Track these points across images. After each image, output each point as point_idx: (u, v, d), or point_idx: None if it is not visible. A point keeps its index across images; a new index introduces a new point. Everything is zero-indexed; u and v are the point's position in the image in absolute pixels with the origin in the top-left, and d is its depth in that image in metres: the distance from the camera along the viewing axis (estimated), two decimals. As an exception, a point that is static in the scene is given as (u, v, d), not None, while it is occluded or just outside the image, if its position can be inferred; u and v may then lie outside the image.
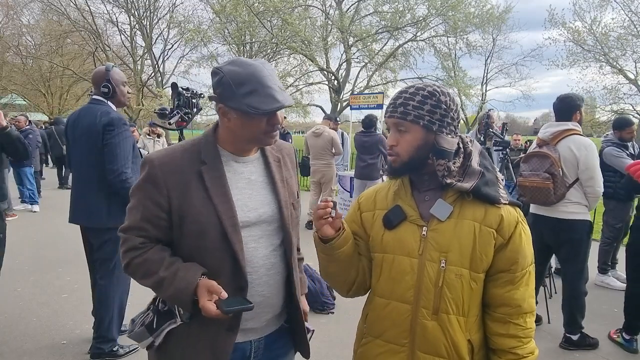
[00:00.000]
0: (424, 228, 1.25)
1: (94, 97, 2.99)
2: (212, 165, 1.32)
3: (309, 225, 6.90)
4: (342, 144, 7.56)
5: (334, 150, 6.75)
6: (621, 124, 4.67)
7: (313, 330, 1.66)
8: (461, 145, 1.28)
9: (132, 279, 3.16)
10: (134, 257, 1.32)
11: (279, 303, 1.43)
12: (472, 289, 1.24)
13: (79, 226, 3.07)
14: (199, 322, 1.29)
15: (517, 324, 1.25)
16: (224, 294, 1.22)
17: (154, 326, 1.35)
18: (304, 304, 1.66)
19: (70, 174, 3.09)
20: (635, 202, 3.37)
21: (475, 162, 1.27)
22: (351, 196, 7.14)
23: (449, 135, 1.25)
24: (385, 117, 1.31)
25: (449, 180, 1.23)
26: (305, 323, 1.61)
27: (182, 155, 1.33)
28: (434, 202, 1.26)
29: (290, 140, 7.72)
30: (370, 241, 1.36)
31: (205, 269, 1.29)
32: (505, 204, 1.25)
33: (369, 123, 6.46)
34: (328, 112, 19.37)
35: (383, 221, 1.31)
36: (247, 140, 1.35)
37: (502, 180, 1.32)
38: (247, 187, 1.37)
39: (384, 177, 6.22)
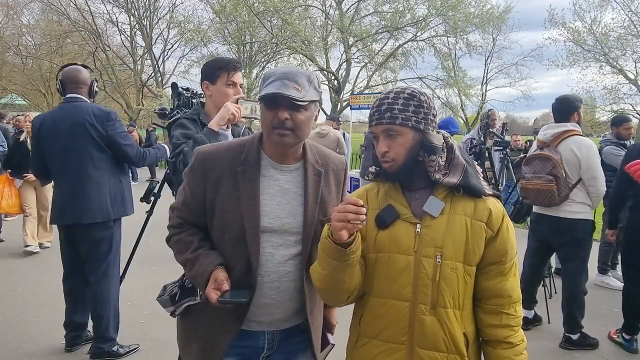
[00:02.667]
0: (418, 225, 1.28)
1: (74, 95, 2.99)
2: (249, 168, 1.40)
3: None
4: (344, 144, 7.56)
5: (338, 151, 6.76)
6: (618, 121, 4.69)
7: (333, 345, 1.66)
8: (443, 140, 1.33)
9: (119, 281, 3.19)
10: (173, 234, 1.48)
11: (291, 307, 1.46)
12: (467, 282, 1.28)
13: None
14: (212, 309, 1.38)
15: (508, 313, 1.31)
16: (225, 286, 1.32)
17: (177, 298, 1.51)
18: (333, 317, 1.70)
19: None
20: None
21: (458, 154, 1.32)
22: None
23: (434, 132, 1.30)
24: (371, 125, 1.32)
25: (437, 176, 1.26)
26: (328, 335, 1.65)
27: (225, 154, 1.42)
28: (425, 200, 1.29)
29: None
30: (364, 242, 1.35)
31: (223, 260, 1.39)
32: (489, 194, 1.31)
33: None
34: (328, 112, 19.36)
35: (376, 221, 1.32)
36: (265, 135, 1.40)
37: (481, 171, 1.37)
38: (278, 194, 1.41)
39: None
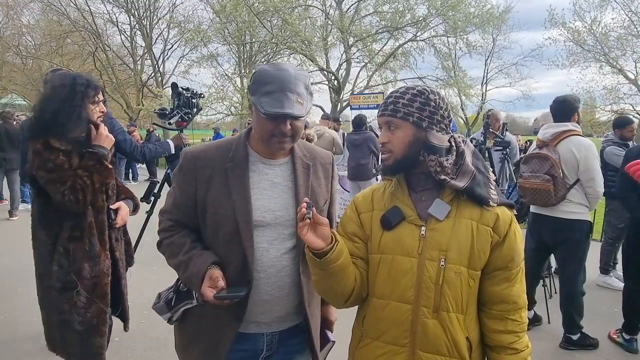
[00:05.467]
0: (423, 228, 1.27)
1: None
2: (238, 164, 1.41)
3: None
4: (343, 144, 7.59)
5: (334, 150, 6.77)
6: (622, 123, 4.68)
7: (333, 342, 1.64)
8: (453, 144, 1.30)
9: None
10: (164, 238, 1.47)
11: (290, 303, 1.45)
12: (470, 286, 1.27)
13: None
14: (211, 309, 1.37)
15: (514, 319, 1.30)
16: (221, 283, 1.31)
17: (173, 304, 1.48)
18: (331, 314, 1.70)
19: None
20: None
21: (468, 161, 1.30)
22: (351, 196, 7.16)
23: (440, 133, 1.28)
24: (377, 116, 1.34)
25: (442, 177, 1.25)
26: (328, 333, 1.64)
27: (215, 152, 1.44)
28: (431, 202, 1.28)
29: None
30: (369, 242, 1.35)
31: (217, 258, 1.38)
32: (493, 206, 1.27)
33: (359, 122, 6.65)
34: (328, 112, 19.35)
35: (381, 222, 1.31)
36: (261, 140, 1.40)
37: (494, 181, 1.35)
38: (269, 188, 1.42)
39: (379, 177, 6.23)
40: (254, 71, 1.38)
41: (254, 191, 1.40)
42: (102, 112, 2.25)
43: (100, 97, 2.21)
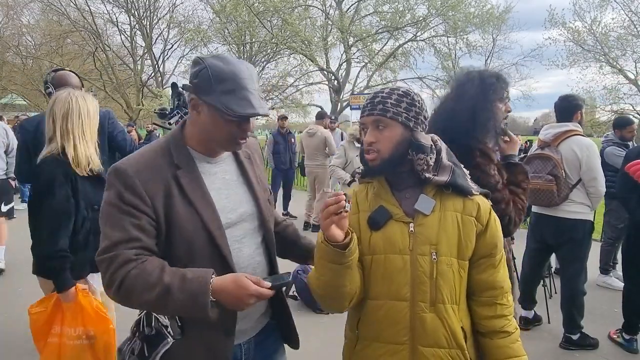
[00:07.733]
0: (411, 224, 1.29)
1: None
2: (187, 168, 1.27)
3: (305, 226, 6.93)
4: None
5: (327, 150, 6.79)
6: (622, 123, 4.68)
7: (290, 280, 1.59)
8: (432, 143, 1.35)
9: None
10: (129, 270, 1.15)
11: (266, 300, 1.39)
12: (461, 276, 1.31)
13: None
14: (195, 334, 1.27)
15: (502, 304, 1.34)
16: (263, 283, 1.20)
17: (146, 354, 1.28)
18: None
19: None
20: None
21: (444, 157, 1.35)
22: (351, 196, 7.14)
23: (423, 132, 1.33)
24: (363, 116, 1.33)
25: (427, 175, 1.29)
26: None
27: (154, 161, 1.25)
28: (415, 199, 1.31)
29: (293, 140, 7.73)
30: (359, 245, 1.34)
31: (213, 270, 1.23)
32: (476, 194, 1.34)
33: None
34: (328, 112, 19.33)
35: (368, 223, 1.32)
36: (216, 142, 1.30)
37: (467, 173, 1.41)
38: (223, 187, 1.35)
39: None
40: (200, 67, 1.22)
41: (211, 193, 1.29)
42: (508, 111, 1.92)
43: (507, 93, 1.86)
